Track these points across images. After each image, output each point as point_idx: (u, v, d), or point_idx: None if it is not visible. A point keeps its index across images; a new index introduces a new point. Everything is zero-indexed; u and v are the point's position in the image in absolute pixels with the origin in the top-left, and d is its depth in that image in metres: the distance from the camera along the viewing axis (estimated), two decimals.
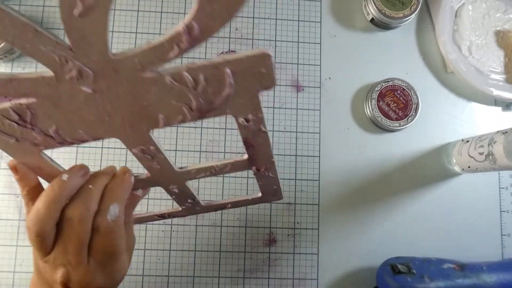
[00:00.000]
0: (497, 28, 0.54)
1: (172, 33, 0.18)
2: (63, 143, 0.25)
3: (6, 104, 0.22)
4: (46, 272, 0.27)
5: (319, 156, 0.51)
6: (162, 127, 0.25)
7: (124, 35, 0.51)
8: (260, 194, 0.37)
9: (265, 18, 0.53)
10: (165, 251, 0.48)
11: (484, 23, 0.54)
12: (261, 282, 0.48)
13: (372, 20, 0.54)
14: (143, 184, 0.32)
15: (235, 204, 0.39)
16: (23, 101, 0.22)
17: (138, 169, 0.31)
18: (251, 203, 0.39)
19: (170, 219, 0.49)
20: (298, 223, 0.50)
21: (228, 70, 0.21)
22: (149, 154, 0.28)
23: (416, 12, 0.51)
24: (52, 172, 0.28)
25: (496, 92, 0.52)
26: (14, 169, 0.27)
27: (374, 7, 0.51)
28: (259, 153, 0.29)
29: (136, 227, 0.48)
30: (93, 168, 0.28)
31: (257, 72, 0.22)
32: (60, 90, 0.21)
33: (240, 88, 0.22)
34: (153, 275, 0.48)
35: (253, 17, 0.53)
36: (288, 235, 0.50)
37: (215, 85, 0.22)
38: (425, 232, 0.51)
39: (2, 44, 0.46)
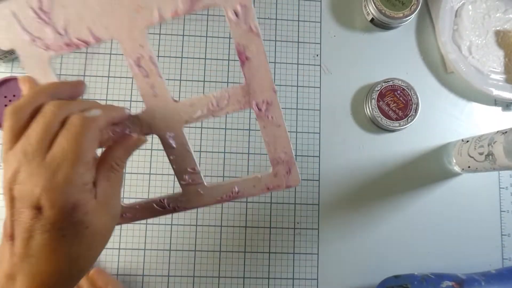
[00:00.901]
0: (497, 28, 0.54)
1: None
2: (69, 44, 0.29)
3: None
4: (5, 172, 0.25)
5: (319, 156, 0.51)
6: (157, 22, 0.28)
7: None
8: (271, 170, 0.33)
9: (265, 18, 0.53)
10: (165, 251, 0.48)
11: (484, 23, 0.54)
12: (261, 282, 0.48)
13: (372, 20, 0.54)
14: (139, 127, 0.31)
15: (243, 187, 0.34)
16: None
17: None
18: (263, 188, 0.34)
19: (171, 216, 0.49)
20: (298, 223, 0.50)
21: None
22: (145, 68, 0.29)
23: (416, 12, 0.51)
24: None
25: (496, 92, 0.52)
26: (24, 80, 0.28)
27: (374, 7, 0.51)
28: (257, 73, 0.29)
29: (136, 227, 0.48)
30: None
31: None
32: None
33: None
34: (153, 275, 0.48)
35: None
36: (288, 235, 0.50)
37: None
38: (425, 231, 0.51)
39: None
